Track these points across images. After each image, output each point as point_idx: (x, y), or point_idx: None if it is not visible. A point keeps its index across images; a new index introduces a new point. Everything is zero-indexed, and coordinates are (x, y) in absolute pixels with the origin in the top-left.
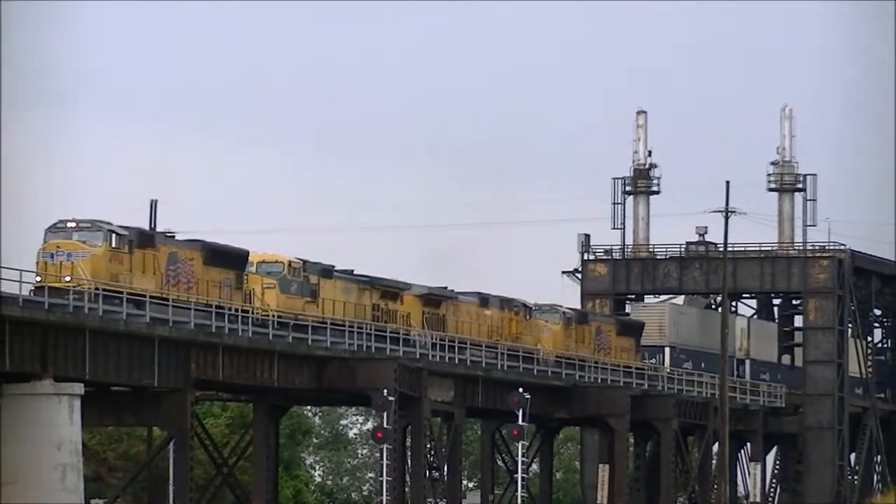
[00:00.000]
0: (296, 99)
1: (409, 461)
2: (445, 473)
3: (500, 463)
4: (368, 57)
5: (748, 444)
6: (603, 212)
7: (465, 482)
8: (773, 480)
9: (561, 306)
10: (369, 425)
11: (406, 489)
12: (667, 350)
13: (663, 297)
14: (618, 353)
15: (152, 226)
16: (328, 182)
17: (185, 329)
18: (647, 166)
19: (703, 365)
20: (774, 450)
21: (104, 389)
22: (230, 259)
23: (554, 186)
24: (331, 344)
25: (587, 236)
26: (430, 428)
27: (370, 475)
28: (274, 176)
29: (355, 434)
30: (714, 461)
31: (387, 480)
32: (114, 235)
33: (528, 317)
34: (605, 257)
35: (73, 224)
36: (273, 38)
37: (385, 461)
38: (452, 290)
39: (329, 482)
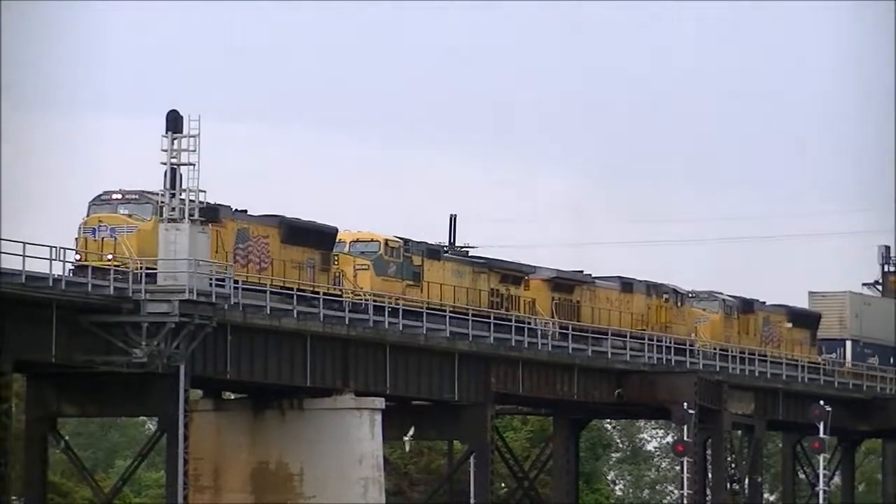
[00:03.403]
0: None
1: (709, 474)
2: (746, 486)
3: (801, 476)
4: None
5: None
6: None
7: (765, 495)
8: None
9: (721, 293)
10: (669, 438)
11: (707, 502)
12: (848, 343)
13: None
14: (789, 347)
15: (451, 241)
16: (622, 196)
17: (485, 343)
18: None
19: (891, 361)
20: None
21: (404, 403)
22: (315, 237)
23: (853, 197)
24: (630, 357)
25: (887, 248)
26: (730, 441)
27: (671, 488)
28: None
29: (655, 447)
30: None
31: (687, 494)
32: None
33: (679, 304)
34: None
35: (119, 196)
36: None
37: (686, 474)
38: (589, 274)
39: (630, 495)
